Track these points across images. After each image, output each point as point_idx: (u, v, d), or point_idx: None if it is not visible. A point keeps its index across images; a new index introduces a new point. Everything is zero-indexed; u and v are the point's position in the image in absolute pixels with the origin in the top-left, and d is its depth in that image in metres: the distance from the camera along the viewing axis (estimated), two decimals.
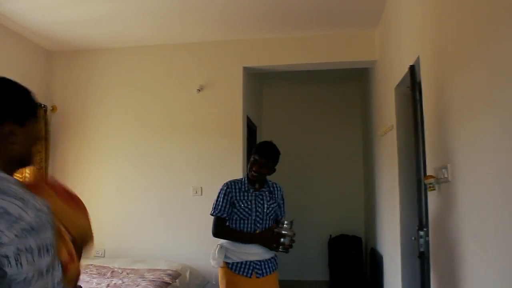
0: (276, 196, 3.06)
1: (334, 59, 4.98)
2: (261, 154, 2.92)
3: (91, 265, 4.46)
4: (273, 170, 3.00)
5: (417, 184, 2.86)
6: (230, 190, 2.95)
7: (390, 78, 3.95)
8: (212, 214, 2.95)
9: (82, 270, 1.30)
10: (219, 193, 2.98)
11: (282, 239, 2.82)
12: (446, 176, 2.30)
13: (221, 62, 5.12)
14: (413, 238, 3.06)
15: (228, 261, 2.90)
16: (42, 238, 1.06)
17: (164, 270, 4.26)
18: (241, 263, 2.88)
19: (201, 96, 5.04)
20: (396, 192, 3.71)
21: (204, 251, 4.89)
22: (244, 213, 2.91)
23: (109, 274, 4.20)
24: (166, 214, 4.96)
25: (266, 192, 3.01)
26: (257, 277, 2.87)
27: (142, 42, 5.17)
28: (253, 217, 2.91)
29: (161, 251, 4.89)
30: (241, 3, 4.16)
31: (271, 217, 2.99)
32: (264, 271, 2.90)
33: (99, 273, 4.21)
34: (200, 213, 4.91)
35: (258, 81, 6.74)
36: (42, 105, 4.97)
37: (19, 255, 1.01)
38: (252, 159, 2.94)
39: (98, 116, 5.24)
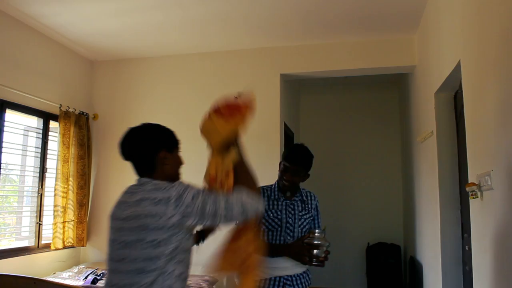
0: (310, 206, 2.68)
1: (373, 65, 4.93)
2: (292, 160, 2.55)
3: None
4: (307, 176, 2.63)
5: (460, 191, 2.80)
6: None
7: (430, 84, 3.88)
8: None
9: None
10: None
11: (315, 251, 2.41)
12: (489, 183, 2.24)
13: (258, 69, 5.16)
14: (466, 248, 3.00)
15: None
16: (184, 199, 1.70)
17: (201, 276, 4.30)
18: (270, 279, 2.50)
19: None
20: (436, 199, 3.63)
21: None
22: (273, 223, 2.57)
23: None
24: None
25: (298, 202, 2.64)
26: None
27: (181, 51, 5.27)
28: (283, 228, 2.56)
29: (199, 257, 4.93)
30: (278, 11, 4.19)
31: (304, 229, 2.60)
32: (296, 287, 2.54)
33: None
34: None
35: (295, 87, 6.74)
36: (84, 113, 5.14)
37: (184, 215, 1.69)
38: (282, 166, 2.59)
39: (137, 123, 5.35)
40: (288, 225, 2.58)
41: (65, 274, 4.38)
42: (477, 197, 2.47)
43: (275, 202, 2.61)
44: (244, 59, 5.21)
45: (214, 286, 4.19)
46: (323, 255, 2.43)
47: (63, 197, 4.72)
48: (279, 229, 2.57)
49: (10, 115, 4.31)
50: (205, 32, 4.73)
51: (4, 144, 4.17)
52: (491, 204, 2.29)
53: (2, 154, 4.12)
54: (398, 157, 6.64)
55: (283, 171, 2.58)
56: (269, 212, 2.58)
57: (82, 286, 3.75)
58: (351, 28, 4.62)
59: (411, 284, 5.22)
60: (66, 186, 4.77)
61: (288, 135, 5.80)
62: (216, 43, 5.06)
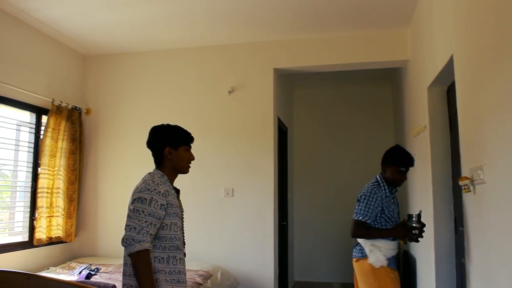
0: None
1: (366, 60, 4.93)
2: (410, 164, 3.28)
3: None
4: None
5: (453, 185, 2.81)
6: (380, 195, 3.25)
7: (423, 78, 3.89)
8: (361, 219, 3.20)
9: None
10: (372, 198, 3.20)
11: (414, 231, 3.10)
12: (482, 177, 2.26)
13: (252, 64, 5.15)
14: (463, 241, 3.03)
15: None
16: (139, 203, 2.23)
17: (195, 271, 4.31)
18: (391, 258, 3.22)
19: (232, 98, 5.08)
20: (429, 194, 3.65)
21: (235, 252, 4.93)
22: (389, 215, 3.23)
23: None
24: (198, 215, 4.99)
25: (395, 196, 3.40)
26: (394, 269, 3.25)
27: (174, 45, 5.25)
28: (394, 218, 3.27)
29: (193, 252, 4.92)
30: (272, 5, 4.18)
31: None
32: (395, 263, 3.28)
33: None
34: (232, 214, 4.94)
35: (289, 82, 6.74)
36: (77, 108, 5.11)
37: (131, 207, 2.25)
38: (398, 169, 3.24)
39: (130, 118, 5.34)
40: (395, 215, 3.30)
41: (59, 269, 4.37)
42: (470, 191, 2.49)
43: (388, 199, 3.25)
44: (237, 53, 5.19)
45: (208, 281, 4.20)
46: (418, 235, 3.10)
47: (47, 192, 4.63)
48: (392, 219, 3.24)
49: (3, 109, 4.28)
50: (197, 26, 4.70)
51: None
52: (483, 198, 2.31)
53: None
54: None
55: (399, 173, 3.26)
56: (389, 208, 3.23)
57: (76, 281, 3.74)
58: (344, 23, 4.62)
59: (405, 278, 5.25)
60: (52, 177, 4.72)
61: (281, 130, 5.80)
62: (209, 38, 5.03)
